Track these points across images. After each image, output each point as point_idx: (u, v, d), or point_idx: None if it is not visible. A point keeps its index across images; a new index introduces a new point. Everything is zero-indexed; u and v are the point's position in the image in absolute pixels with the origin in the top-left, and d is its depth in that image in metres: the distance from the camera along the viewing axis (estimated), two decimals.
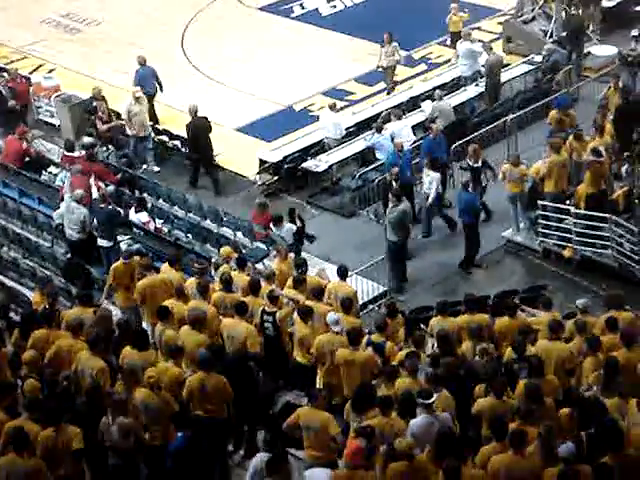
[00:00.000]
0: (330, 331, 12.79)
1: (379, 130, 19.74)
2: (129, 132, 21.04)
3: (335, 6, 27.87)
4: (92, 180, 18.21)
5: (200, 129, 20.44)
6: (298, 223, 17.21)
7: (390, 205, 17.03)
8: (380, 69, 22.92)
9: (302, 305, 13.38)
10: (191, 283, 14.12)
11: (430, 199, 18.08)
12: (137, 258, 15.00)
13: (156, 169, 21.10)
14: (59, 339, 12.61)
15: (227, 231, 18.03)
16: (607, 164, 16.82)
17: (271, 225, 17.20)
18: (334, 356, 12.45)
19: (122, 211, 17.90)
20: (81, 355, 12.15)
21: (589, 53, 23.40)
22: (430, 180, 18.12)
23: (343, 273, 14.57)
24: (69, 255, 17.31)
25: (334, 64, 24.88)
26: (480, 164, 17.98)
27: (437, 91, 21.09)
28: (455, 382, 11.47)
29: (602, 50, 23.42)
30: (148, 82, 22.10)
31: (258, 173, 20.64)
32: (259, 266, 16.66)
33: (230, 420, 11.99)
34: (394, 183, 17.84)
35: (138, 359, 12.10)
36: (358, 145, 20.52)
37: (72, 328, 12.73)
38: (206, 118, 20.64)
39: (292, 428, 11.16)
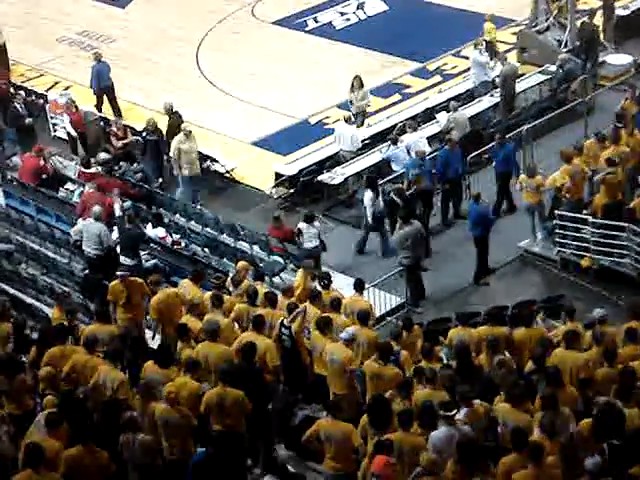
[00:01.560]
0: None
1: (395, 142, 19.75)
2: (176, 172, 20.02)
3: (349, 19, 27.92)
4: (114, 196, 18.17)
5: (173, 127, 20.64)
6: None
7: (397, 227, 17.01)
8: (352, 115, 21.45)
9: (321, 316, 13.38)
10: (209, 297, 14.14)
11: (368, 217, 18.00)
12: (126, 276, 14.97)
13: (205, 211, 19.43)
14: (74, 355, 12.64)
15: (244, 245, 18.05)
16: (622, 173, 16.73)
17: (300, 226, 17.27)
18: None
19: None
20: (101, 369, 12.18)
21: (604, 62, 23.36)
22: (368, 198, 18.00)
23: (360, 286, 14.59)
24: (87, 271, 17.35)
25: (348, 77, 24.84)
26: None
27: (452, 102, 21.10)
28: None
29: (617, 59, 23.38)
30: (104, 77, 22.73)
31: (274, 187, 20.66)
32: (276, 279, 16.69)
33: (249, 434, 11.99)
34: (399, 201, 17.86)
35: (159, 375, 12.12)
36: (374, 157, 20.52)
37: (87, 344, 12.77)
38: (180, 115, 20.95)
39: (311, 441, 11.14)
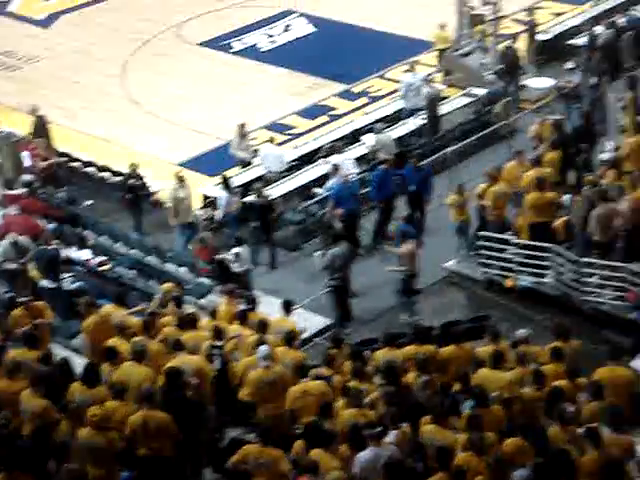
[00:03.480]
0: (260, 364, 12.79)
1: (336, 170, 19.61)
2: (171, 222, 19.08)
3: (275, 41, 28.01)
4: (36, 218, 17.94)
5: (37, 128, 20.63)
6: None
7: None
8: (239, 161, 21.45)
9: (255, 338, 13.35)
10: (138, 320, 14.02)
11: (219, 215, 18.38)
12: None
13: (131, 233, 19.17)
14: None
15: (171, 267, 17.92)
16: (547, 194, 16.98)
17: (235, 250, 17.40)
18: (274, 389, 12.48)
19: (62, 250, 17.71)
20: (23, 394, 11.96)
21: (526, 85, 23.76)
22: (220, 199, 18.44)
23: (287, 307, 14.60)
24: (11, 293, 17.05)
25: (275, 98, 24.99)
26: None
27: (379, 124, 21.26)
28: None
29: (538, 82, 23.80)
30: None
31: (201, 208, 20.57)
32: (203, 301, 16.60)
33: (176, 458, 11.86)
34: (335, 224, 17.99)
35: (87, 395, 11.94)
36: (301, 179, 20.58)
37: (8, 370, 12.50)
38: (43, 118, 20.97)
39: (238, 466, 11.07)
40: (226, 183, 19.28)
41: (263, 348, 12.88)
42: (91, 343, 14.05)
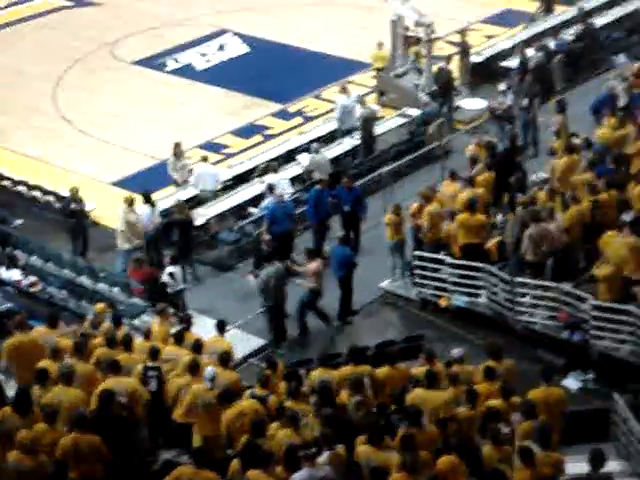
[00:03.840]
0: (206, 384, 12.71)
1: (271, 190, 19.54)
2: (121, 246, 18.59)
3: (209, 60, 27.96)
4: None
5: None
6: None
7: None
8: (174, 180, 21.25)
9: (191, 359, 13.24)
10: (69, 342, 13.80)
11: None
12: None
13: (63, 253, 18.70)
14: None
15: (103, 287, 17.71)
16: (480, 214, 17.11)
17: (170, 269, 17.25)
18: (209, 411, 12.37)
19: None
20: None
21: (459, 106, 24.00)
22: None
23: (221, 327, 14.53)
24: None
25: (210, 118, 24.92)
26: None
27: (314, 144, 21.29)
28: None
29: (472, 103, 24.06)
30: None
31: None
32: (136, 322, 16.44)
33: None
34: (265, 247, 17.99)
35: (17, 421, 11.69)
36: (236, 198, 20.51)
37: None
38: None
39: None
40: (147, 199, 19.03)
41: (210, 369, 12.83)
42: (14, 364, 13.76)
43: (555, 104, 20.81)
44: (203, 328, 15.40)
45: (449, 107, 23.73)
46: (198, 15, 30.50)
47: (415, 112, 23.18)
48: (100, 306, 15.28)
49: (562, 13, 27.50)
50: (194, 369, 13.07)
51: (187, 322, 14.61)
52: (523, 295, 16.32)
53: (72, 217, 19.44)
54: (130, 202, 18.76)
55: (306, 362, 14.87)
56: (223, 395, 12.47)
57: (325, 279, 17.68)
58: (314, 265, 17.03)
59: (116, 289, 17.56)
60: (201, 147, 23.08)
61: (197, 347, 13.69)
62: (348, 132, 22.54)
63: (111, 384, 12.54)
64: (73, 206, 19.42)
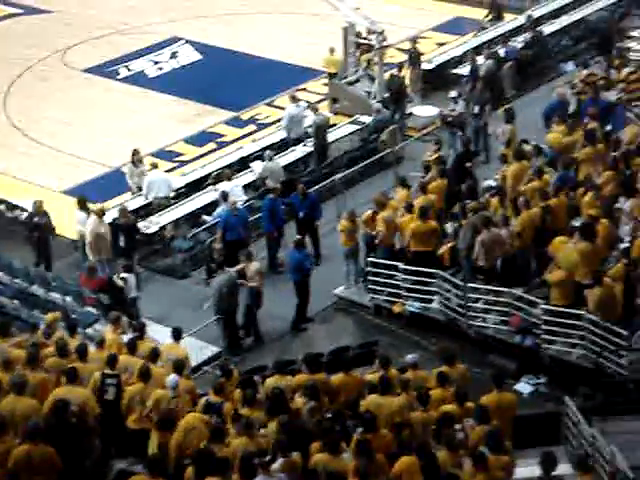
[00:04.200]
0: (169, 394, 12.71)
1: (225, 198, 19.50)
2: (92, 257, 18.17)
3: (162, 68, 27.90)
4: None
5: None
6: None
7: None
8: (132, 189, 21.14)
9: (142, 366, 13.20)
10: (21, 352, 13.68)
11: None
12: None
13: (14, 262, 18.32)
14: None
15: (55, 296, 17.59)
16: (432, 221, 17.24)
17: (124, 276, 17.12)
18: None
19: None
20: None
21: (411, 113, 24.16)
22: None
23: (177, 335, 14.52)
24: None
25: (162, 125, 24.86)
26: None
27: (267, 152, 21.32)
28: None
29: (423, 111, 24.23)
30: None
31: None
32: (90, 331, 16.34)
33: None
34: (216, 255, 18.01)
35: None
36: (189, 206, 20.48)
37: None
38: None
39: None
40: (82, 205, 18.92)
41: (172, 378, 12.83)
42: None
43: (503, 113, 21.02)
44: (157, 336, 15.37)
45: (401, 114, 23.88)
46: (150, 23, 30.44)
47: (367, 119, 23.29)
48: (52, 315, 15.18)
49: (511, 21, 27.80)
50: (146, 376, 13.03)
51: (140, 330, 14.56)
52: (476, 300, 16.46)
53: (35, 230, 19.22)
54: (100, 213, 18.54)
55: (261, 369, 14.89)
56: (161, 421, 12.36)
57: (281, 286, 17.76)
58: (255, 265, 17.06)
59: (69, 298, 17.45)
60: (154, 155, 23.00)
61: (153, 355, 13.66)
62: (297, 140, 22.59)
63: (63, 393, 12.45)
64: (36, 219, 19.18)
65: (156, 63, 28.09)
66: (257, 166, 21.26)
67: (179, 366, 13.28)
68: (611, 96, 21.24)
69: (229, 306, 16.86)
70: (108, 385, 13.11)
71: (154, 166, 20.87)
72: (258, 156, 21.76)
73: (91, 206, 19.09)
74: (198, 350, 16.40)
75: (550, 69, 25.81)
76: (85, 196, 19.46)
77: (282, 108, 24.32)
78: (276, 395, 12.42)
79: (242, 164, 21.96)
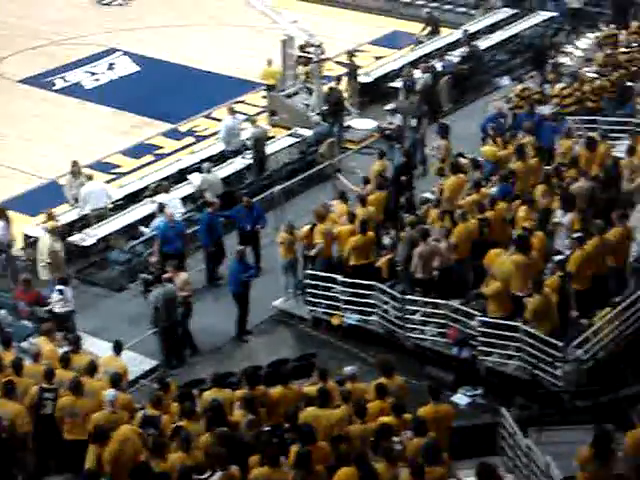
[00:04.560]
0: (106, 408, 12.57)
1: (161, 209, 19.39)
2: (46, 276, 17.88)
3: (99, 79, 27.73)
4: None
5: None
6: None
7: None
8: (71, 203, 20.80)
9: (73, 379, 13.08)
10: None
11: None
12: None
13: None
14: None
15: None
16: (370, 234, 17.34)
17: (60, 288, 16.84)
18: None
19: None
20: None
21: (349, 126, 24.29)
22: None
23: (117, 348, 14.43)
24: None
25: (99, 137, 24.69)
26: None
27: (205, 164, 21.27)
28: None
29: (362, 123, 24.37)
30: None
31: (22, 249, 20.03)
32: (25, 344, 16.14)
33: None
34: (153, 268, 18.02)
35: None
36: (126, 218, 20.35)
37: None
38: None
39: None
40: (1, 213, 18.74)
41: (110, 392, 12.72)
42: None
43: (438, 128, 21.25)
44: (93, 349, 15.24)
45: (339, 127, 23.99)
46: (87, 34, 30.23)
47: (306, 132, 23.38)
48: None
49: (448, 35, 28.10)
50: (76, 389, 12.91)
51: (76, 344, 14.41)
52: (413, 312, 16.57)
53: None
54: (54, 231, 18.31)
55: (199, 382, 14.83)
56: (95, 434, 12.26)
57: (221, 299, 17.76)
58: (184, 275, 17.04)
59: (3, 311, 17.21)
60: (91, 167, 22.81)
61: (90, 368, 13.55)
62: (236, 152, 22.58)
63: None
64: None
65: (93, 74, 27.92)
66: (195, 178, 21.20)
67: (116, 379, 13.18)
68: (545, 110, 21.59)
69: (168, 319, 16.76)
70: (46, 399, 12.98)
71: (89, 178, 20.69)
72: (196, 168, 21.70)
73: (48, 224, 18.84)
74: (136, 363, 16.28)
75: (486, 83, 26.15)
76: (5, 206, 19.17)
77: (220, 120, 24.30)
78: (215, 408, 12.39)
79: (180, 176, 21.89)
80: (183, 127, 25.16)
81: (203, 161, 21.80)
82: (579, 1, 29.26)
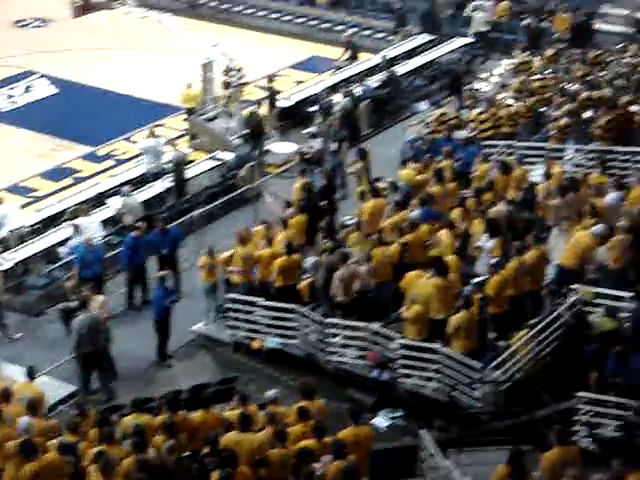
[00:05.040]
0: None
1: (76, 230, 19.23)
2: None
3: (15, 102, 27.41)
4: None
5: None
6: None
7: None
8: None
9: None
10: None
11: None
12: None
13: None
14: None
15: None
16: (294, 256, 17.39)
17: None
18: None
19: None
20: None
21: (270, 150, 24.37)
22: None
23: (31, 374, 14.22)
24: None
25: (17, 160, 24.38)
26: None
27: (125, 187, 21.14)
28: None
29: (282, 147, 24.48)
30: None
31: None
32: None
33: None
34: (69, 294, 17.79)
35: None
36: (44, 242, 20.11)
37: None
38: None
39: None
40: None
41: (23, 420, 12.50)
42: None
43: (356, 152, 21.46)
44: (11, 375, 15.01)
45: (260, 151, 24.07)
46: (4, 56, 29.86)
47: (226, 155, 23.39)
48: None
49: (367, 61, 28.40)
50: None
51: None
52: (334, 335, 16.64)
53: None
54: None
55: (118, 408, 14.69)
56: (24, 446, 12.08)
57: (141, 323, 17.69)
58: (100, 298, 16.95)
59: None
60: (8, 190, 22.53)
61: (5, 395, 13.34)
62: (156, 175, 22.51)
63: None
64: None
65: (10, 97, 27.59)
66: (115, 202, 21.06)
67: (33, 406, 13.00)
68: (462, 135, 21.95)
69: (91, 346, 16.48)
70: None
71: None
72: (116, 192, 21.56)
73: None
74: (53, 389, 16.06)
75: (404, 108, 26.47)
76: None
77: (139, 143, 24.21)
78: (136, 433, 12.29)
79: (99, 200, 21.72)
80: (102, 150, 24.98)
81: (122, 184, 21.68)
82: (485, 25, 29.92)
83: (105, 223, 20.60)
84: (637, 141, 21.07)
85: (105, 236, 20.01)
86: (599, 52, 26.19)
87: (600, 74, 24.55)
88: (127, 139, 25.40)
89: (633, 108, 21.68)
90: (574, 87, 23.38)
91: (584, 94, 22.46)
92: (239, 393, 13.70)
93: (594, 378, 14.30)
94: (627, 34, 29.08)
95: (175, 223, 20.50)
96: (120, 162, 24.33)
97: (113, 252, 19.48)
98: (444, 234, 17.04)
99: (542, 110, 22.91)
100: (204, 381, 15.88)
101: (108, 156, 24.75)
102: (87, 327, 16.34)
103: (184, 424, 12.90)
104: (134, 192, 21.29)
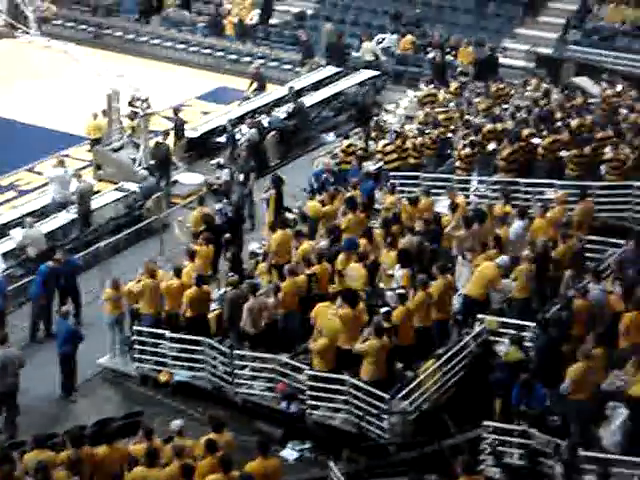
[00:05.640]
0: None
1: None
2: None
3: None
4: None
5: None
6: None
7: None
8: None
9: None
10: None
11: None
12: None
13: None
14: None
15: None
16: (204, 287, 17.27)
17: None
18: None
19: None
20: None
21: (176, 181, 24.22)
22: None
23: None
24: None
25: None
26: None
27: (28, 218, 20.77)
28: None
29: (189, 178, 24.36)
30: None
31: None
32: None
33: None
34: None
35: None
36: None
37: None
38: None
39: None
40: None
41: None
42: None
43: (271, 180, 21.50)
44: None
45: (167, 181, 23.90)
46: None
47: (132, 186, 23.17)
48: None
49: (274, 92, 28.49)
50: None
51: None
52: (242, 367, 16.54)
53: None
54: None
55: (20, 444, 14.34)
56: None
57: (44, 357, 17.31)
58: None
59: None
60: None
61: None
62: (62, 206, 22.17)
63: None
64: None
65: None
66: (17, 233, 20.67)
67: None
68: (370, 166, 22.11)
69: (3, 384, 15.99)
70: None
71: None
72: (18, 223, 21.17)
73: None
74: None
75: (312, 139, 26.60)
76: None
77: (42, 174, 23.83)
78: (39, 470, 12.01)
79: (1, 231, 21.29)
80: (4, 181, 24.52)
81: (25, 216, 21.29)
82: (371, 54, 30.32)
83: (6, 255, 20.19)
84: (539, 173, 21.51)
85: (6, 269, 19.60)
86: (501, 86, 26.72)
87: (503, 107, 25.06)
88: (30, 169, 24.98)
89: (535, 140, 22.12)
90: (477, 119, 23.80)
91: (488, 126, 22.87)
92: (144, 427, 13.50)
93: (499, 406, 14.46)
94: (528, 68, 29.75)
95: (80, 255, 20.20)
96: (23, 193, 23.90)
97: (15, 285, 19.08)
98: (356, 267, 17.06)
99: (447, 139, 23.26)
100: (109, 416, 15.62)
101: (11, 186, 24.30)
102: (1, 364, 15.87)
103: (88, 459, 12.67)
104: (37, 223, 20.92)
